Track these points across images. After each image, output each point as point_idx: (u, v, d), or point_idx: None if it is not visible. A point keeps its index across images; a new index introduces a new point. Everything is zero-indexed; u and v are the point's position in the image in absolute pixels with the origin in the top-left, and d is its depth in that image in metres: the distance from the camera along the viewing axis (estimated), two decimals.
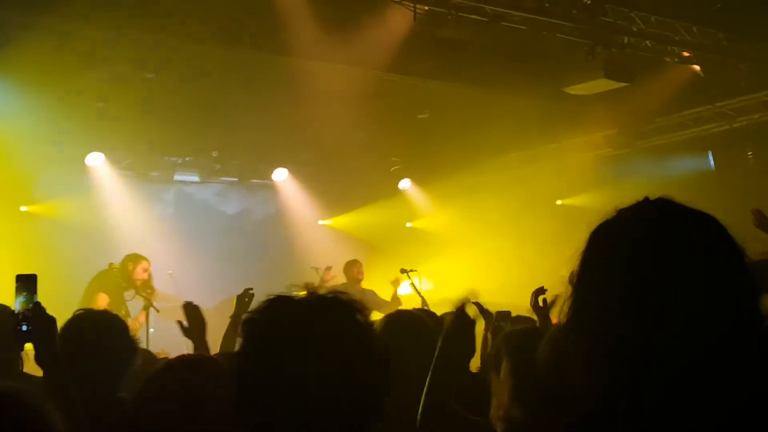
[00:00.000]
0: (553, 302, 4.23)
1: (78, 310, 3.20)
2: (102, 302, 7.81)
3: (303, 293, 1.69)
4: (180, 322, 3.54)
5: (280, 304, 1.66)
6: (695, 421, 1.26)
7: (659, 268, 1.31)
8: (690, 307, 1.28)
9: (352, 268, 10.31)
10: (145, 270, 8.37)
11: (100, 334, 3.09)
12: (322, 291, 1.70)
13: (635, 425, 1.29)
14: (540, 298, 4.24)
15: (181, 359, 2.51)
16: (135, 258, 8.43)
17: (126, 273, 8.25)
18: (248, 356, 1.64)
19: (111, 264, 8.30)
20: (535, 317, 4.35)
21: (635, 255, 1.34)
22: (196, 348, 3.45)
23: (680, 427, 1.27)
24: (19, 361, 3.41)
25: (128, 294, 8.11)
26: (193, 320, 3.51)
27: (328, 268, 10.24)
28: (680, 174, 10.98)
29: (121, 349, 3.10)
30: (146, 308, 8.03)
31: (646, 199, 1.42)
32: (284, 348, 1.58)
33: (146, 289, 8.23)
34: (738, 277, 1.33)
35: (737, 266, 1.34)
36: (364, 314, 1.67)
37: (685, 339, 1.27)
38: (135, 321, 7.84)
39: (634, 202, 1.42)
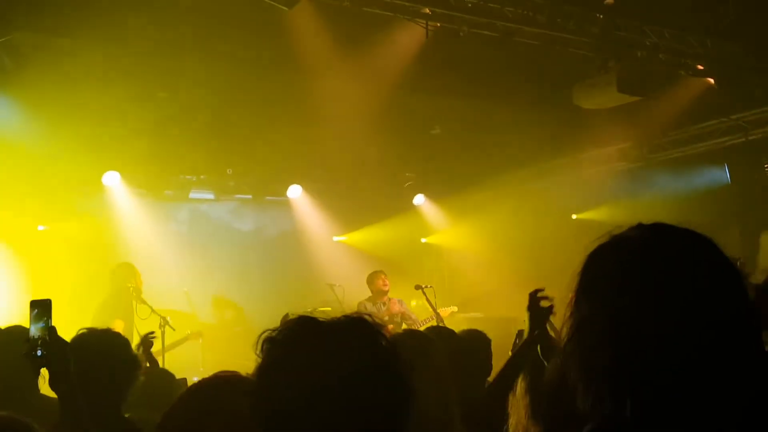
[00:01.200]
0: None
1: (81, 329, 3.23)
2: (119, 329, 7.87)
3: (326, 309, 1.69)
4: None
5: (302, 324, 1.66)
6: None
7: (654, 290, 1.34)
8: (685, 329, 1.31)
9: (376, 279, 9.80)
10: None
11: (103, 351, 3.11)
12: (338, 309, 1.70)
13: None
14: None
15: (211, 380, 2.49)
16: (133, 270, 8.54)
17: (139, 290, 8.32)
18: (266, 373, 1.63)
19: (129, 286, 8.33)
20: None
21: (629, 277, 1.37)
22: None
23: None
24: (35, 382, 3.42)
25: (144, 312, 8.13)
26: None
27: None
28: (696, 187, 10.93)
29: (124, 366, 3.13)
30: (162, 326, 8.04)
31: (640, 223, 1.45)
32: (302, 367, 1.58)
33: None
34: (734, 298, 1.35)
35: (733, 287, 1.36)
36: (386, 337, 1.67)
37: (680, 359, 1.29)
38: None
39: (627, 227, 1.46)
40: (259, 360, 1.66)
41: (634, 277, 1.36)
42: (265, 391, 1.61)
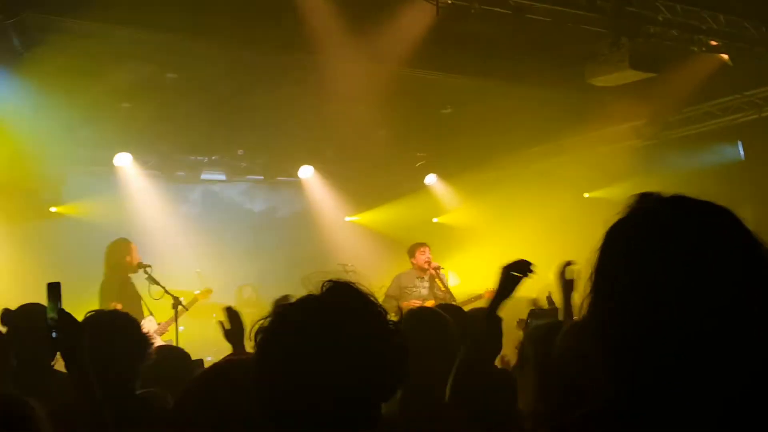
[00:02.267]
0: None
1: (88, 312, 3.26)
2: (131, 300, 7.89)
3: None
4: (222, 324, 3.68)
5: (285, 307, 1.72)
6: (709, 419, 1.26)
7: (673, 264, 1.31)
8: (704, 304, 1.28)
9: (418, 254, 9.36)
10: (135, 249, 8.37)
11: (111, 331, 3.14)
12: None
13: (649, 421, 1.29)
14: (568, 269, 4.01)
15: (225, 363, 2.50)
16: (127, 245, 8.41)
17: (134, 265, 8.27)
18: (260, 361, 1.71)
19: (126, 263, 8.31)
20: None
21: (648, 253, 1.35)
22: (235, 350, 3.54)
23: (693, 426, 1.26)
24: (50, 358, 3.46)
25: (156, 292, 8.16)
26: (234, 324, 3.65)
27: None
28: (710, 164, 10.86)
29: (133, 345, 3.16)
30: (175, 306, 8.08)
31: (658, 196, 1.42)
32: (290, 348, 1.64)
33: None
34: (755, 270, 1.31)
35: (753, 259, 1.32)
36: (371, 301, 1.72)
37: (698, 335, 1.27)
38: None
39: (641, 200, 1.43)
40: (254, 349, 1.73)
41: (645, 254, 1.34)
42: (262, 376, 1.68)
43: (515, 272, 3.22)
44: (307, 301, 1.71)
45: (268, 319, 1.71)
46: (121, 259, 8.31)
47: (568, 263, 4.03)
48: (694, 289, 1.29)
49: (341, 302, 1.69)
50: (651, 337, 1.30)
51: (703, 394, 1.26)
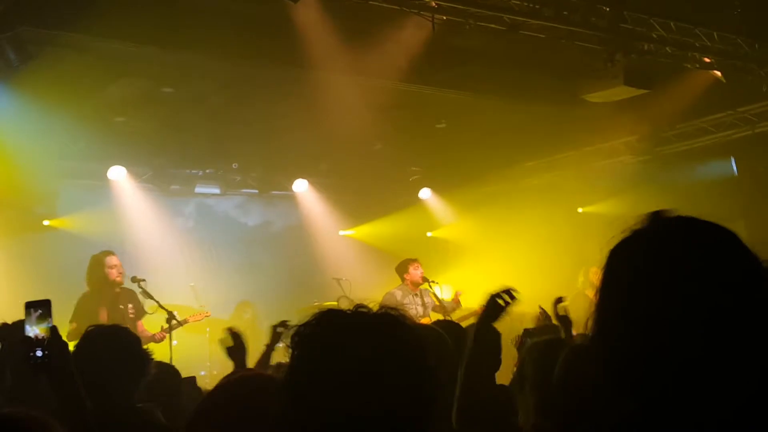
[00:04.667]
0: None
1: (89, 326, 3.24)
2: (103, 317, 7.75)
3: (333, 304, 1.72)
4: (223, 343, 3.84)
5: (330, 317, 1.68)
6: None
7: (677, 287, 1.32)
8: (710, 326, 1.29)
9: (409, 267, 9.23)
10: (113, 266, 8.04)
11: (114, 346, 3.14)
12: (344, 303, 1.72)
13: None
14: (560, 307, 4.22)
15: (238, 379, 2.48)
16: (98, 261, 8.11)
17: (106, 279, 8.00)
18: (298, 367, 1.65)
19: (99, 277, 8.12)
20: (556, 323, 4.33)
21: (645, 276, 1.35)
22: (236, 368, 3.60)
23: None
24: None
25: (150, 307, 8.12)
26: (237, 343, 3.80)
27: None
28: (703, 180, 10.89)
29: (135, 360, 3.17)
30: (169, 321, 8.04)
31: (659, 216, 1.42)
32: (334, 361, 1.60)
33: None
34: (758, 290, 1.32)
35: (756, 279, 1.33)
36: (413, 329, 1.69)
37: (704, 356, 1.28)
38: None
39: (647, 219, 1.43)
40: (291, 353, 1.68)
41: (650, 276, 1.34)
42: (298, 382, 1.63)
43: (500, 300, 3.32)
44: (355, 315, 1.68)
45: (310, 324, 1.66)
46: (92, 275, 8.07)
47: (559, 300, 4.12)
48: (701, 311, 1.29)
49: (387, 325, 1.66)
50: (658, 356, 1.30)
51: (709, 412, 1.26)
